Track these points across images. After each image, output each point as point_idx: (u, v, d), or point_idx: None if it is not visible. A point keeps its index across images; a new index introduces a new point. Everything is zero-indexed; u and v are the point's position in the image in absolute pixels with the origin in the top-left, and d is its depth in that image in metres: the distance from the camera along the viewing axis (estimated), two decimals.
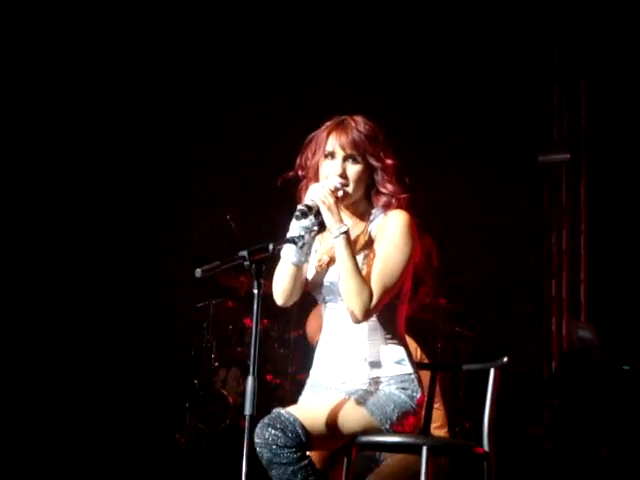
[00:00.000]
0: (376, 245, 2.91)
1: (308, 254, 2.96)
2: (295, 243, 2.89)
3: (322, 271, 2.96)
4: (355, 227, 2.99)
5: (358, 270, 2.84)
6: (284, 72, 6.34)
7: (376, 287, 2.84)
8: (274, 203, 3.12)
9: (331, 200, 2.85)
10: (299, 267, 2.95)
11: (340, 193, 2.91)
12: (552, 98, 6.71)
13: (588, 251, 6.63)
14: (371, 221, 2.97)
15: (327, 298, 2.98)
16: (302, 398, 3.03)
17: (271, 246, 2.74)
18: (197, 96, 6.33)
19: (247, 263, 2.68)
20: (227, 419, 5.69)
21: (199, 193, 6.33)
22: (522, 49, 6.43)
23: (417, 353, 3.83)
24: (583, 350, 6.03)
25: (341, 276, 2.86)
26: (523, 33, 6.40)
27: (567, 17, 6.57)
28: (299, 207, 2.85)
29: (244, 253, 2.69)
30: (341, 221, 2.86)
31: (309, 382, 3.04)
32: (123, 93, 6.09)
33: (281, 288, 2.98)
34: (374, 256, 2.89)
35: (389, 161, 2.96)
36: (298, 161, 3.03)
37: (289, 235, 2.91)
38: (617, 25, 6.19)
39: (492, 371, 3.02)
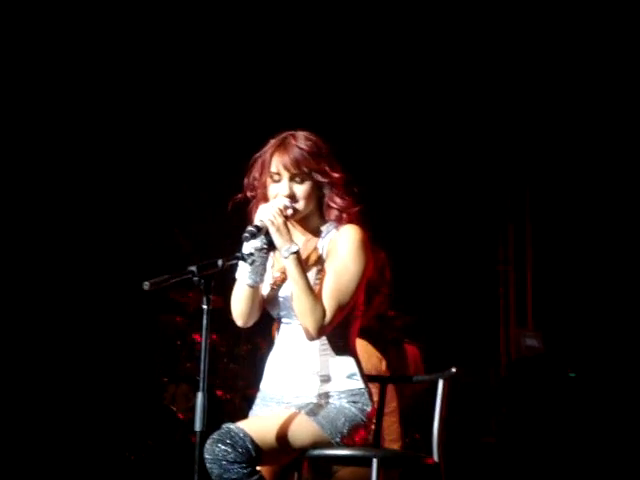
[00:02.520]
0: (329, 261, 2.91)
1: (262, 274, 2.95)
2: (244, 260, 2.88)
3: (277, 287, 2.96)
4: (308, 242, 3.00)
5: (310, 289, 2.84)
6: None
7: (329, 304, 2.85)
8: (226, 219, 3.10)
9: (280, 220, 2.85)
10: (255, 288, 2.95)
11: (289, 212, 2.91)
12: None
13: (534, 261, 6.72)
14: (323, 237, 2.97)
15: (281, 313, 2.98)
16: (253, 412, 3.03)
17: (220, 262, 2.73)
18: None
19: (196, 278, 2.68)
20: (176, 435, 5.66)
21: (148, 206, 6.29)
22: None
23: (382, 365, 3.86)
24: (530, 358, 6.10)
25: (294, 295, 2.86)
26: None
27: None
28: (248, 228, 2.84)
29: (193, 268, 2.68)
30: (291, 241, 2.86)
31: (259, 395, 3.04)
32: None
33: (239, 310, 2.98)
34: (327, 271, 2.89)
35: (336, 175, 2.94)
36: (245, 182, 3.02)
37: (239, 253, 2.89)
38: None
39: (441, 382, 3.03)
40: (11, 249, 5.85)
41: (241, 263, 2.92)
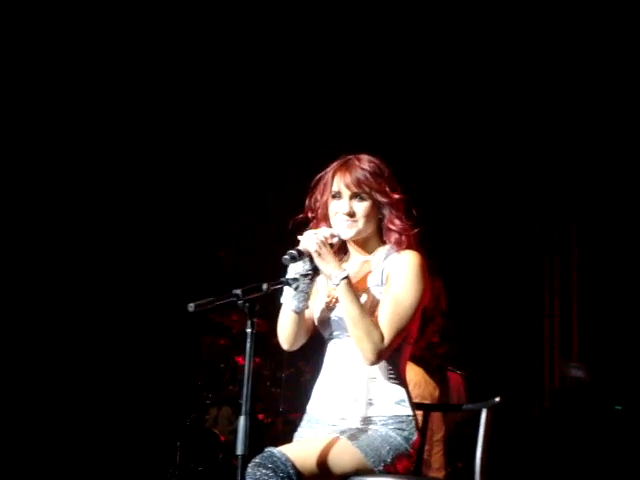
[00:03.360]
0: (388, 285, 2.92)
1: (306, 300, 2.97)
2: (289, 285, 2.89)
3: (332, 306, 2.97)
4: (366, 264, 3.02)
5: (364, 312, 2.85)
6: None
7: (388, 328, 2.85)
8: (270, 242, 3.14)
9: (325, 250, 2.87)
10: (299, 314, 2.98)
11: (335, 240, 2.94)
12: None
13: (580, 290, 6.64)
14: (384, 259, 2.98)
15: (335, 333, 2.99)
16: (298, 433, 3.03)
17: (265, 286, 2.74)
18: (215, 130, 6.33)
19: (241, 302, 2.68)
20: (218, 458, 5.66)
21: (193, 229, 6.32)
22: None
23: (436, 393, 3.90)
24: (575, 389, 6.02)
25: (348, 321, 2.86)
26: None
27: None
28: (289, 251, 2.86)
29: (238, 291, 2.69)
30: (339, 267, 2.87)
31: (305, 417, 3.04)
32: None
33: (284, 334, 3.02)
34: (386, 295, 2.90)
35: (396, 196, 2.98)
36: (307, 203, 3.07)
37: (284, 277, 2.91)
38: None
39: (484, 411, 3.02)
40: (59, 271, 5.89)
41: (286, 288, 2.93)
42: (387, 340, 2.84)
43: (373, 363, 2.87)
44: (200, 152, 6.34)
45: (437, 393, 3.90)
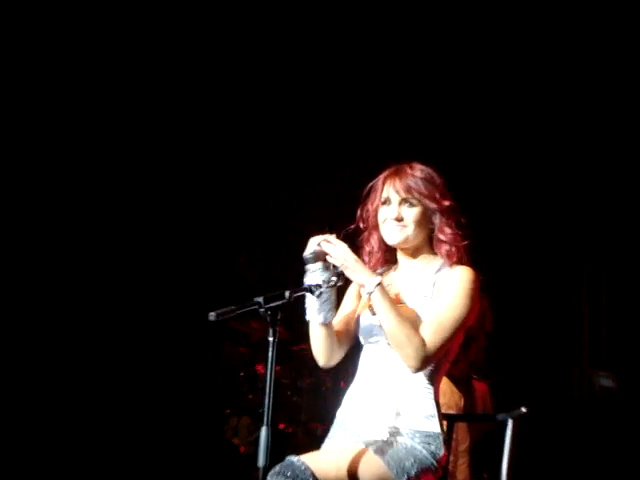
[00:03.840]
0: (438, 296, 2.86)
1: (333, 309, 2.91)
2: (312, 292, 2.82)
3: (370, 311, 2.91)
4: (415, 274, 2.96)
5: (403, 319, 2.78)
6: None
7: (432, 334, 2.79)
8: (293, 248, 3.07)
9: (352, 259, 2.81)
10: (328, 325, 2.92)
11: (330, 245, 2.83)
12: None
13: (609, 299, 6.53)
14: (435, 272, 2.92)
15: (371, 340, 2.93)
16: (328, 438, 2.98)
17: (287, 293, 2.67)
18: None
19: (262, 310, 2.62)
20: (238, 470, 5.60)
21: (213, 233, 6.25)
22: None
23: (461, 402, 3.86)
24: (604, 399, 5.93)
25: (387, 328, 2.79)
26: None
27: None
28: (310, 252, 2.81)
29: (260, 299, 2.63)
30: (371, 274, 2.81)
31: (335, 422, 2.99)
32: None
33: (319, 350, 2.97)
34: (433, 306, 2.84)
35: (446, 202, 2.93)
36: (359, 213, 3.04)
37: (306, 284, 2.83)
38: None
39: (510, 422, 2.96)
40: (73, 278, 5.84)
41: (308, 299, 2.87)
42: (430, 346, 2.77)
43: (417, 369, 2.79)
44: (219, 155, 6.26)
45: (462, 402, 3.86)
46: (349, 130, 6.05)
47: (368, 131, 6.00)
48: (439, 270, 2.92)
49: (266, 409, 2.59)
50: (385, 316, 2.78)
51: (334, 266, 2.82)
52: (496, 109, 5.99)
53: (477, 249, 3.00)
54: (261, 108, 6.16)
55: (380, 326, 2.85)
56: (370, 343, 2.94)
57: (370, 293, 2.78)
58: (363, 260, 2.98)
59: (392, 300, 2.81)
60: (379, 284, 2.78)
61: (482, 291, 2.96)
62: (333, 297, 2.91)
